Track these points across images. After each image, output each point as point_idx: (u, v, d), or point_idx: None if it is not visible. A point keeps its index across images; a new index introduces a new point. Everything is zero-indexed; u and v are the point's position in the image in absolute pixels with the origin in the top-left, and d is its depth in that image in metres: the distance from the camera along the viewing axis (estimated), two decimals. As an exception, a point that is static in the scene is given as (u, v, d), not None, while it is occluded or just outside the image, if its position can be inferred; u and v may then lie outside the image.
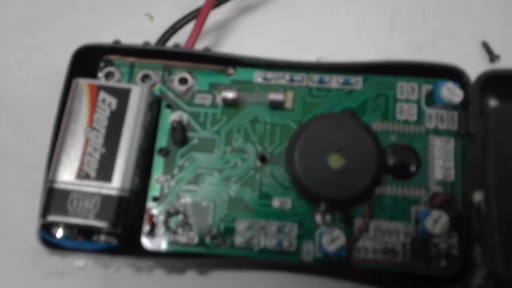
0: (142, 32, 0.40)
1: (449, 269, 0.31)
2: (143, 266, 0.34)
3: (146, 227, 0.33)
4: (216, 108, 0.35)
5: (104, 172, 0.31)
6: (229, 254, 0.32)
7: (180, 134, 0.34)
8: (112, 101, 0.33)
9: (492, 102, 0.35)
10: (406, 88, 0.35)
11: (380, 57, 0.39)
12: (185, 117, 0.35)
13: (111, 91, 0.33)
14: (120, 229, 0.31)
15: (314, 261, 0.32)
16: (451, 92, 0.33)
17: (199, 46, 0.37)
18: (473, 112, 0.33)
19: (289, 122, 0.34)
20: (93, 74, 0.35)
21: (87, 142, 0.32)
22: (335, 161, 0.32)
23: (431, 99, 0.34)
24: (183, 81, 0.35)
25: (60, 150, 0.32)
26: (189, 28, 0.38)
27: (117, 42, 0.36)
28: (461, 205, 0.32)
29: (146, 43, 0.36)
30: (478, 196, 0.32)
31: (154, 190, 0.33)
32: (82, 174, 0.31)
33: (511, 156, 0.34)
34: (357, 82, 0.35)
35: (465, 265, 0.31)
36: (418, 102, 0.34)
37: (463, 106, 0.34)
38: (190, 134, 0.34)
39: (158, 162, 0.34)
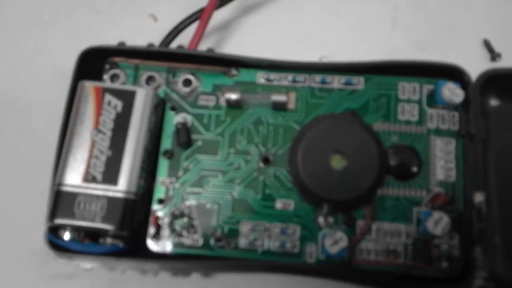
0: (146, 32, 0.40)
1: (451, 270, 0.32)
2: (149, 268, 0.34)
3: (151, 230, 0.33)
4: (220, 110, 0.35)
5: (110, 175, 0.32)
6: (233, 256, 0.33)
7: (184, 137, 0.34)
8: (118, 104, 0.33)
9: (493, 102, 0.35)
10: (407, 88, 0.35)
11: (382, 54, 0.40)
12: (189, 119, 0.35)
13: (116, 93, 0.33)
14: (126, 232, 0.31)
15: (317, 262, 0.32)
16: (452, 92, 0.33)
17: (203, 46, 0.38)
18: (474, 112, 0.33)
19: (292, 123, 0.35)
20: (98, 76, 0.36)
21: (93, 144, 0.32)
22: (337, 162, 0.33)
23: (432, 99, 0.34)
24: (187, 82, 0.36)
25: (67, 153, 0.32)
26: (192, 29, 0.38)
27: (121, 43, 0.36)
28: (462, 205, 0.33)
29: (150, 45, 0.36)
30: (479, 197, 0.32)
31: (159, 192, 0.34)
32: (88, 177, 0.32)
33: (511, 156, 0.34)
34: (359, 82, 0.35)
35: (466, 266, 0.32)
36: (419, 102, 0.35)
37: (464, 106, 0.34)
38: (194, 136, 0.35)
39: (163, 164, 0.34)
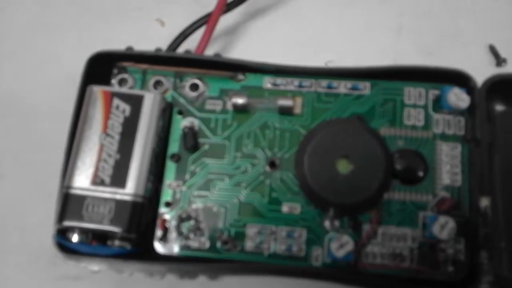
0: (154, 37, 0.41)
1: (456, 274, 0.32)
2: (156, 270, 0.35)
3: (158, 232, 0.33)
4: (227, 114, 0.36)
5: (118, 178, 0.32)
6: (240, 259, 0.33)
7: (191, 140, 0.35)
8: (126, 108, 0.33)
9: (499, 107, 0.35)
10: (413, 93, 0.35)
11: (388, 59, 0.40)
12: (196, 123, 0.35)
13: (124, 97, 0.34)
14: (133, 234, 0.31)
15: (323, 266, 0.32)
16: (457, 97, 0.34)
17: (209, 51, 0.38)
18: (480, 117, 0.33)
19: (298, 128, 0.35)
20: (106, 80, 0.36)
21: (101, 148, 0.32)
22: (343, 166, 0.33)
23: (438, 104, 0.35)
24: (194, 87, 0.36)
25: (75, 156, 0.32)
26: (199, 33, 0.38)
27: (129, 48, 0.37)
28: (468, 210, 0.33)
29: (158, 49, 0.37)
30: (484, 202, 0.32)
31: (166, 195, 0.34)
32: (97, 180, 0.32)
33: (517, 162, 0.34)
34: (365, 87, 0.35)
35: (472, 270, 0.32)
36: (425, 107, 0.35)
37: (469, 111, 0.34)
38: (201, 140, 0.35)
39: (170, 168, 0.35)
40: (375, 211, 0.33)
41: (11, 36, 0.43)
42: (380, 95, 0.35)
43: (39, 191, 0.38)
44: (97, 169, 0.32)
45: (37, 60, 0.42)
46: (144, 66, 0.37)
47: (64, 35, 0.43)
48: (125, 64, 0.37)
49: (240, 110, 0.35)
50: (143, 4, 0.44)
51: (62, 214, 0.31)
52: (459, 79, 0.34)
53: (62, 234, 0.32)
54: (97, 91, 0.34)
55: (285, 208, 0.34)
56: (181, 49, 0.38)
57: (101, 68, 0.36)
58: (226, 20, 0.41)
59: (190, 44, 0.38)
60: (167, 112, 0.35)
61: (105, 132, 0.33)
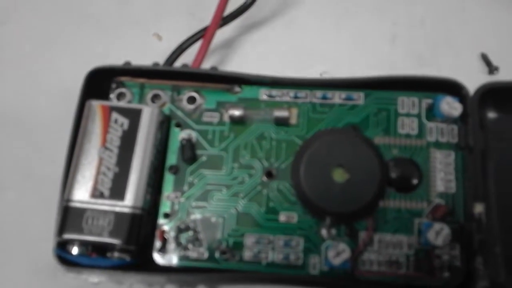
0: (151, 51, 0.42)
1: (452, 280, 0.32)
2: (155, 281, 0.35)
3: (157, 243, 0.34)
4: (224, 126, 0.36)
5: (117, 190, 0.32)
6: (238, 268, 0.33)
7: (189, 152, 0.35)
8: (124, 122, 0.34)
9: (491, 115, 0.36)
10: (407, 103, 0.36)
11: (382, 69, 0.40)
12: (194, 135, 0.36)
13: (123, 111, 0.34)
14: (133, 246, 0.32)
15: (320, 274, 0.33)
16: (450, 106, 0.34)
17: (206, 64, 0.38)
18: (472, 125, 0.34)
19: (294, 138, 0.35)
20: (105, 95, 0.37)
21: (100, 161, 0.33)
22: (339, 175, 0.33)
23: (431, 113, 0.35)
24: (191, 100, 0.37)
25: (75, 169, 0.33)
26: (196, 47, 0.39)
27: (127, 63, 0.37)
28: (463, 216, 0.33)
29: (155, 64, 0.37)
30: (479, 208, 0.33)
31: (165, 206, 0.35)
32: (96, 193, 0.32)
33: (510, 168, 0.35)
34: (359, 97, 0.36)
35: (467, 276, 0.32)
36: (418, 116, 0.35)
37: (462, 119, 0.35)
38: (199, 152, 0.35)
39: (168, 180, 0.35)
40: (371, 218, 0.33)
41: (9, 49, 0.44)
42: (374, 104, 0.36)
43: (39, 204, 0.38)
44: (96, 182, 0.33)
45: (36, 75, 0.43)
46: (141, 80, 0.37)
47: (62, 49, 0.43)
48: (123, 78, 0.37)
49: (237, 121, 0.36)
50: (140, 19, 0.44)
51: (62, 227, 0.32)
52: (452, 87, 0.35)
53: (62, 247, 0.32)
54: (96, 105, 0.34)
55: (282, 218, 0.34)
56: (178, 63, 0.39)
57: (99, 82, 0.36)
58: (222, 34, 0.42)
59: (187, 58, 0.39)
60: (165, 125, 0.36)
61: (104, 145, 0.33)
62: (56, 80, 0.42)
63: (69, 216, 0.32)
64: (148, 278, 0.34)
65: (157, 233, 0.34)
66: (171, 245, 0.34)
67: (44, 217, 0.36)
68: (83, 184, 0.33)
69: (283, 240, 0.33)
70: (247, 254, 0.33)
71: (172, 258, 0.34)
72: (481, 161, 0.34)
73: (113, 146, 0.33)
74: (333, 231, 0.33)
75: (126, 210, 0.32)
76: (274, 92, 0.36)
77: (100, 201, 0.32)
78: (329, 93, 0.36)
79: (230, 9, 0.40)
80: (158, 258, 0.34)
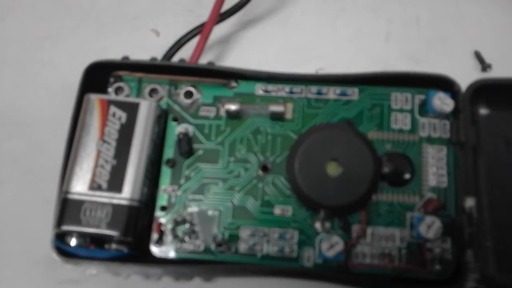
0: (149, 47, 0.42)
1: (443, 272, 0.33)
2: (152, 273, 0.35)
3: (154, 236, 0.34)
4: (220, 120, 0.37)
5: (115, 183, 0.33)
6: (234, 260, 0.34)
7: (186, 146, 0.36)
8: (122, 115, 0.34)
9: (483, 111, 0.36)
10: (400, 98, 0.36)
11: (377, 66, 0.41)
12: (190, 129, 0.36)
13: (121, 105, 0.35)
14: (130, 238, 0.32)
15: (314, 266, 0.33)
16: (442, 101, 0.35)
17: (203, 60, 0.39)
18: (464, 121, 0.34)
19: (289, 133, 0.36)
20: (103, 89, 0.37)
21: (98, 154, 0.33)
22: (333, 169, 0.34)
23: (424, 108, 0.36)
24: (188, 94, 0.37)
25: (73, 162, 0.33)
26: (193, 43, 0.39)
27: (125, 58, 0.38)
28: (454, 210, 0.34)
29: (153, 59, 0.38)
30: (470, 202, 0.33)
31: (162, 199, 0.35)
32: (94, 186, 0.33)
33: (501, 163, 0.35)
34: (353, 93, 0.36)
35: (458, 269, 0.33)
36: (411, 111, 0.36)
37: (454, 115, 0.35)
38: (195, 146, 0.36)
39: (166, 173, 0.36)
40: (364, 212, 0.34)
41: (8, 44, 0.44)
42: (368, 100, 0.36)
43: (38, 196, 0.39)
44: (94, 174, 0.33)
45: (35, 69, 0.43)
46: (139, 74, 0.38)
47: (61, 44, 0.44)
48: (121, 73, 0.38)
49: (233, 116, 0.36)
50: (138, 14, 0.45)
51: (61, 219, 0.32)
52: (444, 84, 0.35)
53: (60, 238, 0.33)
54: (94, 99, 0.35)
55: (277, 211, 0.34)
56: (175, 58, 0.39)
57: (98, 77, 0.37)
58: (219, 30, 0.43)
59: (184, 53, 0.39)
60: (162, 119, 0.36)
61: (102, 138, 0.34)
62: (55, 75, 0.43)
63: (67, 208, 0.32)
64: (145, 270, 0.34)
65: (154, 226, 0.34)
66: (168, 238, 0.34)
67: (42, 209, 0.36)
68: (81, 176, 0.33)
69: (278, 233, 0.34)
70: (243, 247, 0.34)
71: (168, 250, 0.34)
72: (472, 156, 0.34)
73: (111, 139, 0.34)
74: (327, 224, 0.33)
75: (123, 202, 0.33)
76: (270, 87, 0.37)
77: (98, 193, 0.33)
78: (324, 89, 0.37)
79: (227, 5, 0.40)
80: (155, 250, 0.34)
